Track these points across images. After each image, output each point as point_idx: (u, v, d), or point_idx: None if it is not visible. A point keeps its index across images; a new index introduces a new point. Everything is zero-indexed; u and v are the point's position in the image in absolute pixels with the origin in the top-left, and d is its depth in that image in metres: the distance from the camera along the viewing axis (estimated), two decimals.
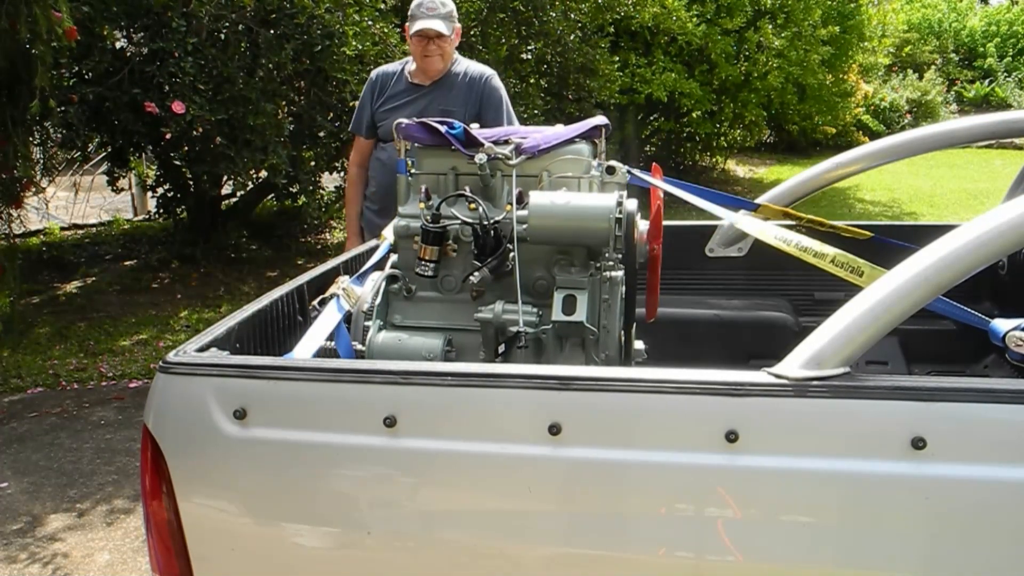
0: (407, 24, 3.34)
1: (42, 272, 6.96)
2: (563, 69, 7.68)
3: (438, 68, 3.36)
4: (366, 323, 1.95)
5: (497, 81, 3.40)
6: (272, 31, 5.72)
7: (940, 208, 9.86)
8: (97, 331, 5.64)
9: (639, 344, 2.01)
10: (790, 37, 9.63)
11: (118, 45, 6.04)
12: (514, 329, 1.77)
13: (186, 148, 6.15)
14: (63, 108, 5.31)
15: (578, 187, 1.90)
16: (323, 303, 1.97)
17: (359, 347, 1.91)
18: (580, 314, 1.74)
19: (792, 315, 2.70)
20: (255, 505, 1.46)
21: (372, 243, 2.38)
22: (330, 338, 1.84)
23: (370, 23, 5.69)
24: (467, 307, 1.90)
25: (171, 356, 1.50)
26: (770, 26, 9.56)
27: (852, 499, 1.28)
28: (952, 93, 17.37)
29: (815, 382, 1.29)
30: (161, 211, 7.43)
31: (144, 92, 5.51)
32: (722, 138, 11.53)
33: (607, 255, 1.85)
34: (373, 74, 3.55)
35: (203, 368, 1.46)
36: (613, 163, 1.98)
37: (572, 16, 7.38)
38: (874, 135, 13.73)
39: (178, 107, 5.32)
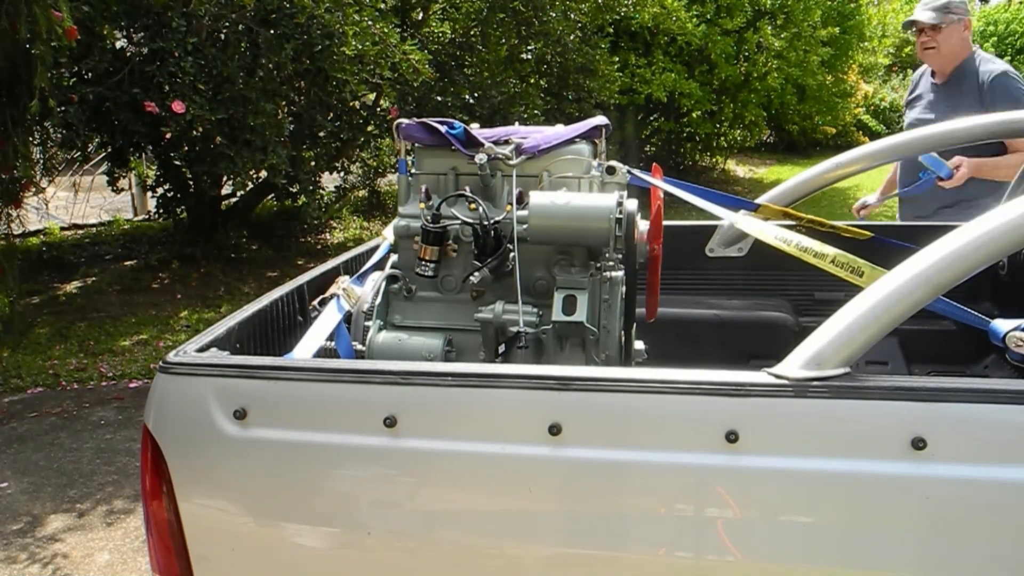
0: None
1: (42, 272, 6.96)
2: (563, 69, 7.69)
3: (936, 64, 3.27)
4: (366, 323, 1.95)
5: (1007, 80, 3.13)
6: (272, 31, 5.72)
7: None
8: (97, 331, 5.64)
9: (639, 344, 2.01)
10: (789, 38, 9.63)
11: (118, 45, 6.05)
12: (514, 329, 1.77)
13: (186, 148, 6.15)
14: (63, 108, 5.32)
15: (578, 187, 1.90)
16: (323, 303, 1.97)
17: (359, 347, 1.91)
18: (580, 314, 1.74)
19: (792, 315, 2.70)
20: (255, 505, 1.46)
21: (372, 243, 2.38)
22: (330, 338, 1.84)
23: (370, 23, 5.69)
24: (467, 307, 1.90)
25: (171, 356, 1.50)
26: (770, 27, 9.56)
27: (852, 499, 1.28)
28: None
29: (815, 382, 1.29)
30: (161, 211, 7.43)
31: (144, 92, 5.52)
32: (722, 138, 11.54)
33: (607, 255, 1.85)
34: (914, 75, 3.53)
35: (203, 368, 1.46)
36: (613, 163, 1.98)
37: (572, 16, 7.39)
38: (874, 135, 13.75)
39: (178, 107, 5.32)
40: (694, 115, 10.00)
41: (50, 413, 4.41)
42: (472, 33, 7.42)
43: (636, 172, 2.06)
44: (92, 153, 6.72)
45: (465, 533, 1.40)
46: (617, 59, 8.19)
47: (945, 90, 3.30)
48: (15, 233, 5.72)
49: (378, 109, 7.22)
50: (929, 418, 1.25)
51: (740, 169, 12.95)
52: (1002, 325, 1.98)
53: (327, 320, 1.86)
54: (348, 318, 1.96)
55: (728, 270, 2.79)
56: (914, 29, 3.26)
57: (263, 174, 6.67)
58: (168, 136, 5.69)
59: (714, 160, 12.30)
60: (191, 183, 7.10)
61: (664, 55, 9.24)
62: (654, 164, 2.16)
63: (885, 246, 2.29)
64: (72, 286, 6.72)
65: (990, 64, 3.22)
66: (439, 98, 6.71)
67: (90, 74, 5.69)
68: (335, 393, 1.42)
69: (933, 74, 3.38)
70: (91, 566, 3.06)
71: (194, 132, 5.60)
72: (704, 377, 1.31)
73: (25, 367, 5.01)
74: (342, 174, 8.25)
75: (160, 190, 7.33)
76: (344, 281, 2.05)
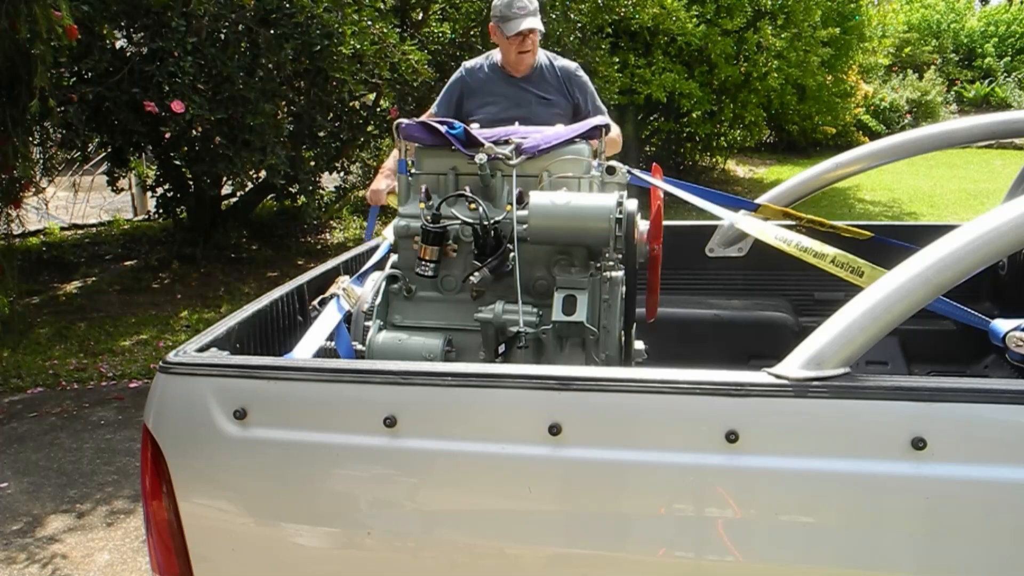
0: (493, 24, 3.36)
1: (42, 272, 6.96)
2: None
3: (526, 65, 3.39)
4: (366, 323, 1.95)
5: (583, 73, 3.51)
6: (272, 31, 5.72)
7: (940, 208, 9.86)
8: (97, 331, 5.64)
9: (639, 344, 2.01)
10: (790, 38, 9.63)
11: (118, 45, 6.04)
12: (514, 329, 1.77)
13: (186, 148, 6.14)
14: (63, 108, 5.31)
15: (578, 187, 1.90)
16: (323, 303, 1.97)
17: (359, 347, 1.91)
18: (580, 314, 1.74)
19: (792, 315, 2.70)
20: (255, 505, 1.46)
21: (372, 243, 2.38)
22: (330, 338, 1.84)
23: (369, 23, 5.69)
24: (467, 307, 1.90)
25: (171, 356, 1.50)
26: (770, 27, 9.56)
27: (852, 499, 1.28)
28: (952, 93, 17.38)
29: (815, 382, 1.29)
30: (161, 211, 7.43)
31: (144, 92, 5.51)
32: (722, 138, 11.53)
33: (607, 255, 1.85)
34: (463, 67, 3.56)
35: (203, 368, 1.46)
36: (613, 163, 1.98)
37: (572, 17, 7.38)
38: (874, 135, 13.73)
39: (178, 106, 5.32)
40: (694, 115, 9.99)
41: (50, 413, 4.41)
42: (472, 33, 7.41)
43: (636, 172, 2.06)
44: (92, 153, 6.71)
45: (465, 533, 1.40)
46: (617, 59, 8.18)
47: (529, 84, 3.40)
48: (15, 233, 5.72)
49: (378, 109, 7.22)
50: (929, 418, 1.25)
51: (740, 169, 12.95)
52: (1002, 325, 1.98)
53: (327, 320, 1.86)
54: (348, 318, 1.96)
55: (728, 270, 2.79)
56: (516, 35, 3.33)
57: (263, 174, 6.67)
58: (168, 136, 5.68)
59: (714, 160, 12.29)
60: (191, 183, 7.09)
61: (664, 55, 9.23)
62: (654, 164, 2.16)
63: (885, 246, 2.29)
64: (72, 286, 6.71)
65: (559, 60, 3.47)
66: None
67: (90, 74, 5.68)
68: (335, 393, 1.42)
69: (502, 68, 3.42)
70: (91, 566, 3.06)
71: (194, 132, 5.60)
72: (704, 377, 1.31)
73: (25, 367, 5.01)
74: (342, 174, 8.24)
75: (160, 190, 7.32)
76: (344, 281, 2.05)
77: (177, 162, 6.81)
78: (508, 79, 3.42)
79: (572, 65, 3.48)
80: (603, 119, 2.03)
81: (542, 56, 3.47)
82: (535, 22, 3.29)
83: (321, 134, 6.65)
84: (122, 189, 7.28)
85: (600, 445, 1.33)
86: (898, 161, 2.64)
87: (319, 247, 8.02)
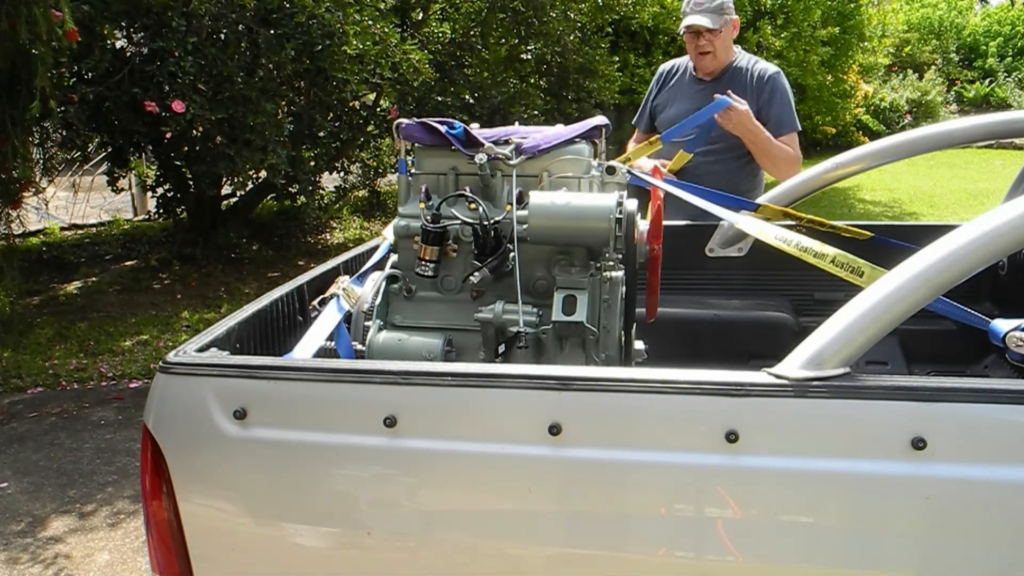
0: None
1: (42, 272, 6.96)
2: (563, 69, 7.69)
3: (712, 67, 3.21)
4: (366, 323, 1.95)
5: (782, 79, 3.22)
6: (272, 31, 5.72)
7: (940, 208, 9.86)
8: (97, 331, 5.64)
9: (639, 344, 2.01)
10: (789, 38, 9.63)
11: (118, 45, 6.05)
12: (514, 329, 1.77)
13: (186, 148, 6.15)
14: (63, 108, 5.31)
15: (578, 187, 1.90)
16: (323, 303, 1.97)
17: (359, 347, 1.91)
18: (580, 314, 1.74)
19: (792, 315, 2.70)
20: (255, 505, 1.46)
21: (372, 243, 2.38)
22: (330, 338, 1.84)
23: (370, 23, 5.69)
24: (467, 307, 1.90)
25: (171, 356, 1.50)
26: (770, 27, 9.56)
27: (852, 499, 1.28)
28: (952, 93, 17.37)
29: (815, 382, 1.29)
30: (161, 211, 7.43)
31: (144, 92, 5.52)
32: None
33: (607, 255, 1.85)
34: (661, 68, 3.45)
35: (203, 368, 1.46)
36: (613, 163, 1.98)
37: (572, 16, 7.38)
38: (874, 135, 13.73)
39: (178, 106, 5.32)
40: None
41: (50, 413, 4.41)
42: (472, 33, 7.42)
43: (636, 172, 2.06)
44: (92, 153, 6.71)
45: (465, 533, 1.40)
46: (617, 59, 8.19)
47: (714, 88, 3.18)
48: (15, 233, 5.72)
49: (378, 109, 7.22)
50: (929, 418, 1.25)
51: None
52: (1002, 325, 1.98)
53: (327, 320, 1.86)
54: (348, 318, 1.96)
55: (728, 270, 2.79)
56: (685, 31, 3.18)
57: (263, 174, 6.68)
58: (168, 136, 5.69)
59: None
60: (191, 183, 7.10)
61: (664, 55, 9.24)
62: (654, 164, 2.16)
63: (885, 246, 2.29)
64: (72, 286, 6.71)
65: (761, 64, 3.25)
66: (439, 98, 6.71)
67: (90, 74, 5.68)
68: (335, 393, 1.42)
69: (695, 70, 3.30)
70: (91, 566, 3.06)
71: (194, 132, 5.60)
72: (704, 377, 1.31)
73: (25, 367, 5.01)
74: (342, 174, 8.25)
75: (160, 190, 7.33)
76: (344, 281, 2.05)
77: (177, 162, 6.81)
78: (696, 81, 3.28)
79: (770, 70, 3.20)
80: (602, 119, 2.03)
81: (743, 59, 3.26)
82: (702, 19, 3.05)
83: (321, 134, 6.65)
84: (122, 189, 7.28)
85: (600, 445, 1.33)
86: (898, 161, 2.64)
87: (319, 247, 8.02)
